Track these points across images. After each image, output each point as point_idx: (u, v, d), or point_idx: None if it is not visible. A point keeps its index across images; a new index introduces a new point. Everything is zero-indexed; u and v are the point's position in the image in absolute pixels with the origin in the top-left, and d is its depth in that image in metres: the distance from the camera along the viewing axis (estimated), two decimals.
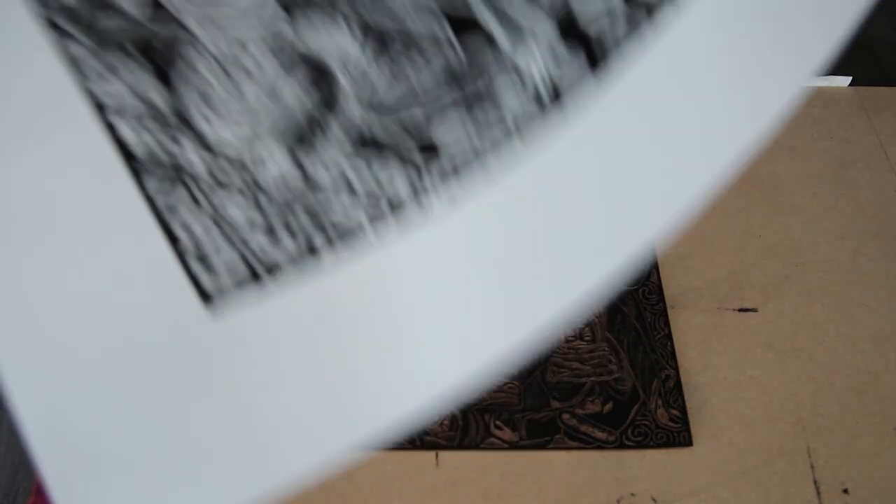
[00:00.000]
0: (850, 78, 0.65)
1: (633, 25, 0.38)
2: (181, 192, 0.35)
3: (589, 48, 0.37)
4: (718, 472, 0.54)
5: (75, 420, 0.32)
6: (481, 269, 0.34)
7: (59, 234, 0.34)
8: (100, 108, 0.35)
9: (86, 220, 0.33)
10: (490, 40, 0.37)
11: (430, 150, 0.36)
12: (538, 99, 0.36)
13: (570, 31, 0.37)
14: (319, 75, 0.37)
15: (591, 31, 0.38)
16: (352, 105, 0.37)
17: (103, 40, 0.37)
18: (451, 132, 0.36)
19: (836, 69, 0.66)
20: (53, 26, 0.37)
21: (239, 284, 0.33)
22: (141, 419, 0.31)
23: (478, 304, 0.34)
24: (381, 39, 0.38)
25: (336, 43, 0.38)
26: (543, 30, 0.37)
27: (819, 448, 0.55)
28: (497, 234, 0.35)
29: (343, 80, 0.37)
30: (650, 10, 0.38)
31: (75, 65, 0.36)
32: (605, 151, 0.36)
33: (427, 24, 0.38)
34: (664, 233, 0.35)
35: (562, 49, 0.37)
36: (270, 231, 0.35)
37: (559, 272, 0.35)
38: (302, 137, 0.37)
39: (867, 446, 0.55)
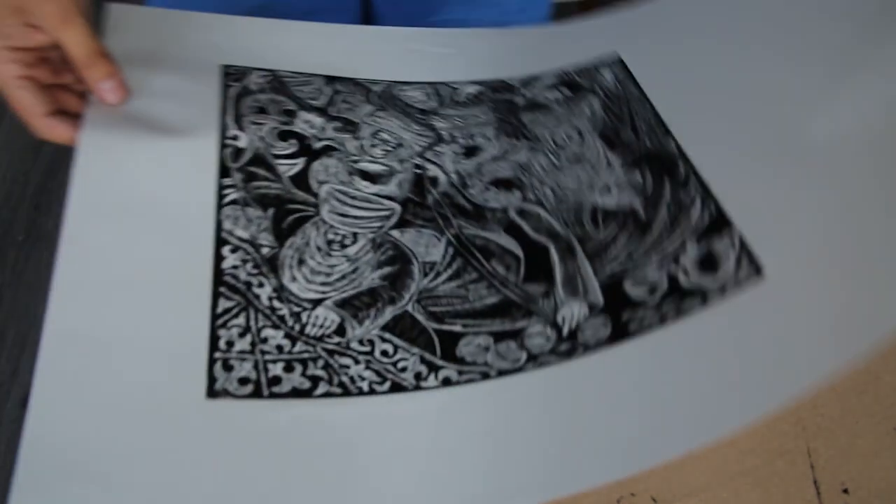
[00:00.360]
0: None
1: (662, 310, 0.43)
2: (240, 319, 0.42)
3: (618, 316, 0.43)
4: (718, 472, 0.54)
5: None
6: (448, 445, 0.39)
7: (136, 293, 0.42)
8: (219, 239, 0.45)
9: (158, 299, 0.42)
10: (547, 293, 0.45)
11: (448, 358, 0.42)
12: (557, 344, 0.43)
13: (613, 298, 0.44)
14: (399, 272, 0.46)
15: (630, 300, 0.44)
16: (409, 303, 0.44)
17: (257, 199, 0.47)
18: (472, 353, 0.42)
19: None
20: (225, 173, 0.48)
21: (241, 393, 0.40)
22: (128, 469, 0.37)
23: (434, 476, 0.38)
24: (464, 263, 0.46)
25: (429, 254, 0.46)
26: (594, 296, 0.45)
27: (819, 448, 0.55)
28: (473, 422, 0.39)
29: (415, 284, 0.45)
30: (681, 300, 0.44)
31: (222, 203, 0.47)
32: (597, 391, 0.40)
33: (511, 254, 0.47)
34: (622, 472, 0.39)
35: (598, 310, 0.44)
36: (290, 367, 0.41)
37: (518, 480, 0.38)
38: (357, 314, 0.43)
39: (867, 446, 0.55)
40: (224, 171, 0.48)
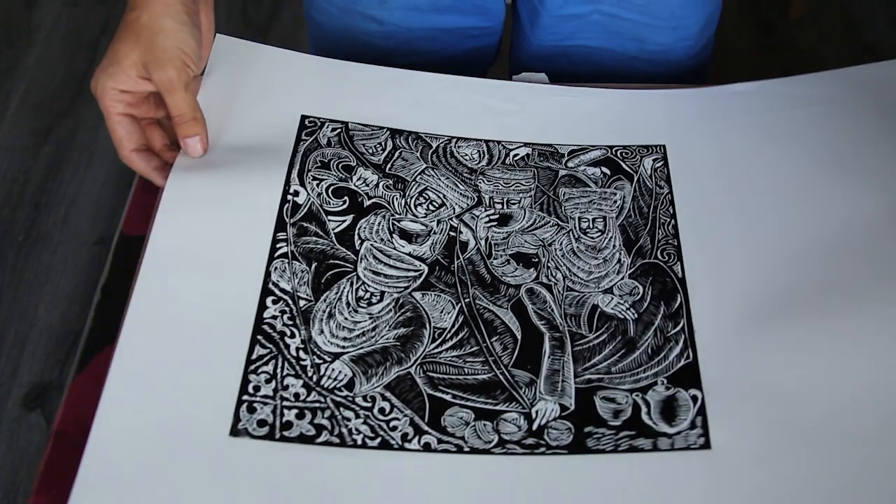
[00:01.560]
0: None
1: (618, 438, 0.45)
2: (269, 366, 0.47)
3: (581, 427, 0.46)
4: None
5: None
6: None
7: (179, 336, 0.47)
8: (265, 290, 0.50)
9: (195, 342, 0.47)
10: (531, 383, 0.48)
11: (432, 425, 0.46)
12: (525, 436, 0.46)
13: (583, 407, 0.47)
14: (411, 334, 0.50)
15: (596, 415, 0.46)
16: (413, 365, 0.48)
17: (304, 254, 0.52)
18: (453, 425, 0.46)
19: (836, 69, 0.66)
20: (281, 227, 0.52)
21: (258, 434, 0.44)
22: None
23: None
24: (468, 335, 0.50)
25: (442, 319, 0.50)
26: (568, 399, 0.47)
27: None
28: (442, 489, 0.43)
29: (423, 348, 0.49)
30: (636, 436, 0.45)
31: (273, 256, 0.51)
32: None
33: (511, 334, 0.50)
34: None
35: (567, 414, 0.46)
36: (301, 414, 0.45)
37: None
38: (367, 371, 0.48)
39: None
40: (280, 226, 0.53)
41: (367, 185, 0.56)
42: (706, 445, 0.45)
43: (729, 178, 0.57)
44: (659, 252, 0.54)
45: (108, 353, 0.48)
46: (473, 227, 0.55)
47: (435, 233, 0.54)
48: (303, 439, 0.44)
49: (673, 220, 0.55)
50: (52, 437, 0.46)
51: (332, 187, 0.55)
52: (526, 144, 0.59)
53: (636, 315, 0.51)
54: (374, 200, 0.55)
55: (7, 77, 1.58)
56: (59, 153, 1.49)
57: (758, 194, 0.56)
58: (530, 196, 0.57)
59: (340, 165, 0.57)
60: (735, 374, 0.47)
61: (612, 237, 0.55)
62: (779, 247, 0.53)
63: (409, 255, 0.53)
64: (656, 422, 0.46)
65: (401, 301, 0.51)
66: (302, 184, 0.55)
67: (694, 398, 0.47)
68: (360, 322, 0.49)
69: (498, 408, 0.47)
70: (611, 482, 0.44)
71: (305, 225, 0.53)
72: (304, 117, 0.59)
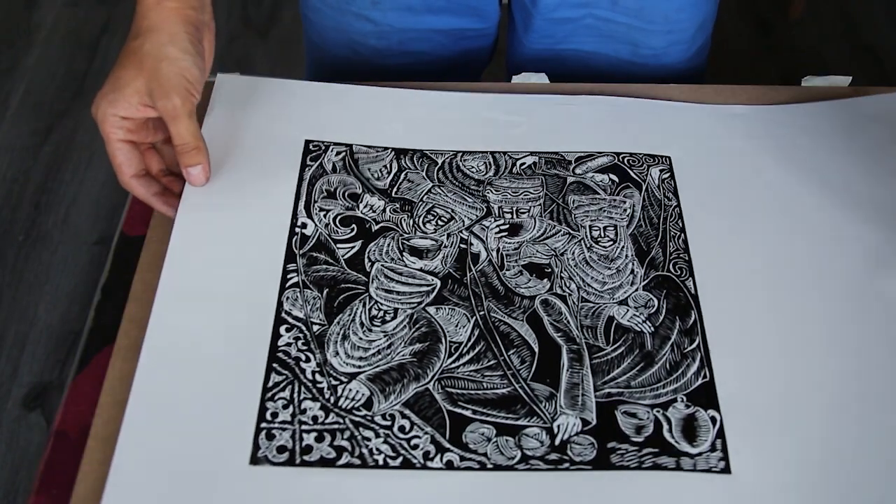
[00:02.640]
0: (850, 78, 0.65)
1: (642, 454, 0.45)
2: (286, 392, 0.47)
3: (604, 442, 0.46)
4: None
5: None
6: None
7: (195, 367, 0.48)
8: (278, 319, 0.50)
9: (212, 369, 0.48)
10: (551, 397, 0.47)
11: (454, 442, 0.46)
12: (548, 451, 0.45)
13: (605, 422, 0.47)
14: (427, 350, 0.49)
15: (619, 430, 0.46)
16: (431, 381, 0.48)
17: (315, 282, 0.52)
18: (475, 441, 0.46)
19: (836, 69, 0.66)
20: (290, 258, 0.53)
21: (277, 460, 0.44)
22: None
23: None
24: (485, 348, 0.49)
25: (458, 333, 0.50)
26: (589, 413, 0.47)
27: None
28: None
29: (440, 363, 0.49)
30: (659, 454, 0.45)
31: (284, 287, 0.52)
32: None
33: (528, 347, 0.50)
34: None
35: (589, 429, 0.46)
36: (321, 437, 0.45)
37: None
38: (385, 389, 0.47)
39: None
40: (290, 257, 0.53)
41: (374, 212, 0.56)
42: (726, 470, 0.45)
43: (734, 196, 0.58)
44: (671, 265, 0.54)
45: (107, 353, 0.48)
46: (484, 239, 0.55)
47: (446, 246, 0.54)
48: (324, 462, 0.44)
49: (683, 234, 0.55)
50: (52, 437, 0.46)
51: (339, 216, 0.55)
52: (532, 153, 0.59)
53: (652, 328, 0.51)
54: (382, 225, 0.55)
55: (7, 77, 1.58)
56: (59, 153, 1.49)
57: (764, 216, 0.57)
58: (539, 204, 0.57)
59: (346, 193, 0.57)
60: (752, 397, 0.47)
61: (623, 246, 0.55)
62: (786, 269, 0.54)
63: (420, 270, 0.53)
64: (678, 440, 0.46)
65: (415, 317, 0.50)
66: (309, 215, 0.55)
67: (713, 419, 0.47)
68: (374, 341, 0.49)
69: (519, 423, 0.46)
70: (635, 499, 0.43)
71: (315, 255, 0.53)
72: (307, 142, 0.59)
